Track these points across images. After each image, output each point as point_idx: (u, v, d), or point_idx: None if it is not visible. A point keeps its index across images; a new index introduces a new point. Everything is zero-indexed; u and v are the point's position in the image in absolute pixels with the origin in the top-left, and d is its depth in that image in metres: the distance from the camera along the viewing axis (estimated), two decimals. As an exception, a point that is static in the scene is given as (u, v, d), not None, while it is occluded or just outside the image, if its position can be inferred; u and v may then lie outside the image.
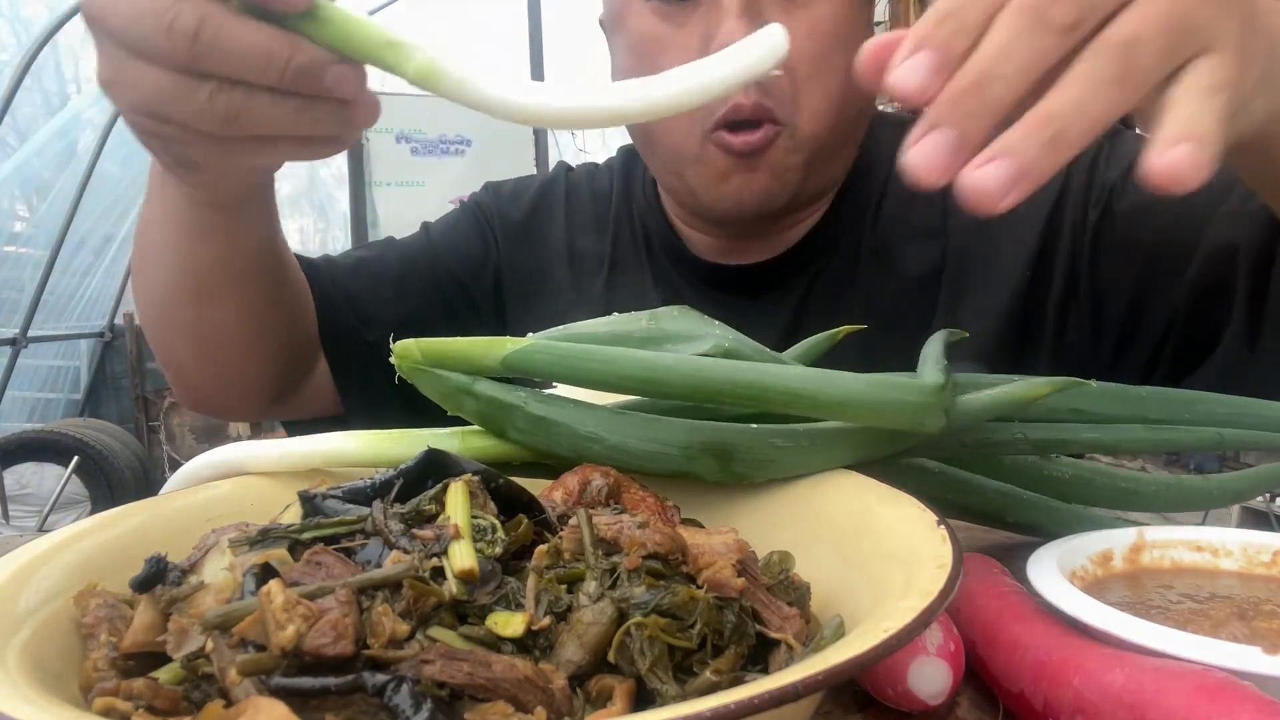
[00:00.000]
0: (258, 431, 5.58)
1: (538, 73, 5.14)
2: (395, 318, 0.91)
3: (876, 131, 0.89)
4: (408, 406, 0.58)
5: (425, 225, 1.01)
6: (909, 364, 0.52)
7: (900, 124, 0.91)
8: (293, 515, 0.40)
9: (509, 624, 0.33)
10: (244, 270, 0.71)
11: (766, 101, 0.75)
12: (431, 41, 0.44)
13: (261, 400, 0.85)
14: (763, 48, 0.45)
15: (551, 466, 0.50)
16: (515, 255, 0.98)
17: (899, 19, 4.42)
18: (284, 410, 0.89)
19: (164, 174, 0.63)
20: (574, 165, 1.06)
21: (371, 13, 4.92)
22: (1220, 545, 0.50)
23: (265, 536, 0.37)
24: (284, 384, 0.86)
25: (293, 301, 0.81)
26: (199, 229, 0.67)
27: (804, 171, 0.79)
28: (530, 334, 0.52)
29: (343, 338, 0.89)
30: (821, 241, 0.87)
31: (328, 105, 0.48)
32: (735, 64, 0.44)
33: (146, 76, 0.47)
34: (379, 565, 0.35)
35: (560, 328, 0.56)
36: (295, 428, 0.93)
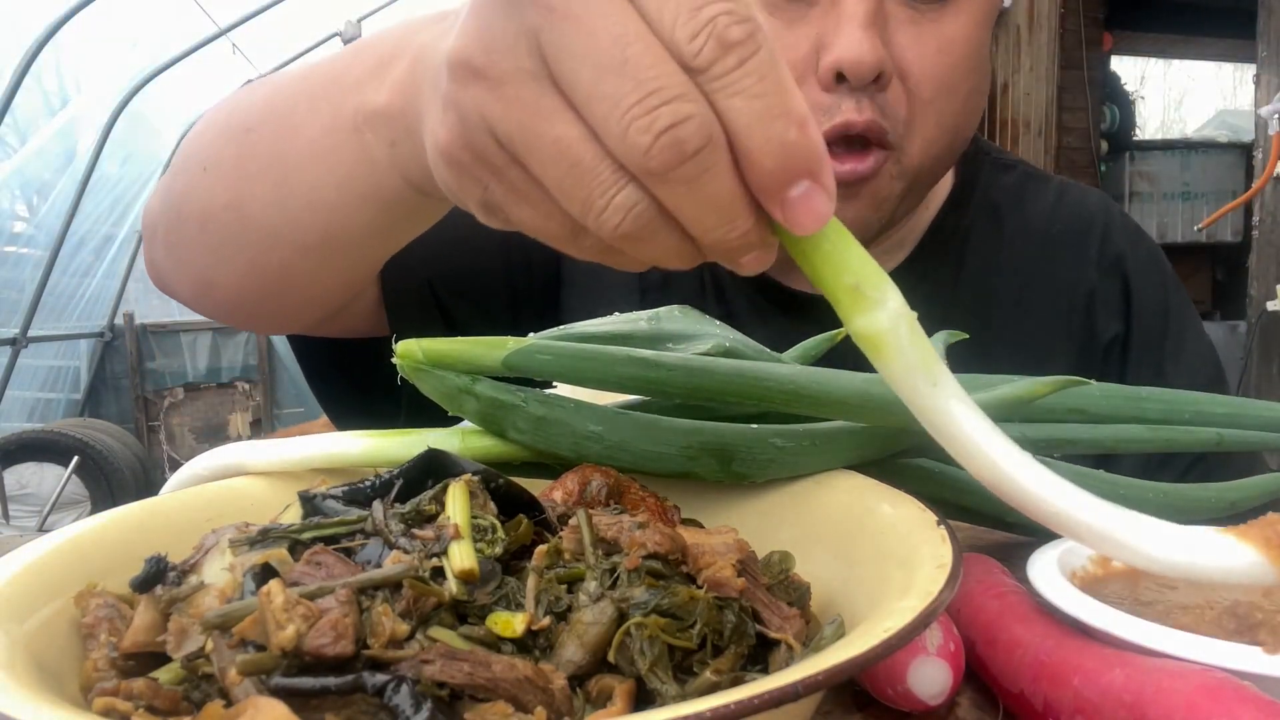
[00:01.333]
0: (258, 431, 5.59)
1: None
2: (458, 269, 0.79)
3: (974, 166, 0.87)
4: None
5: None
6: None
7: (1006, 166, 0.89)
8: (293, 515, 0.40)
9: (509, 624, 0.33)
10: (396, 244, 0.60)
11: (882, 121, 0.69)
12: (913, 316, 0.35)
13: (306, 325, 0.74)
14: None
15: (551, 466, 0.50)
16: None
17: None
18: (327, 330, 0.77)
19: (381, 137, 0.49)
20: None
21: (371, 14, 4.92)
22: (1220, 545, 0.50)
23: (265, 536, 0.37)
24: (337, 312, 0.74)
25: None
26: (397, 207, 0.53)
27: (900, 201, 0.74)
28: (531, 334, 0.52)
29: (403, 279, 0.76)
30: (903, 284, 0.83)
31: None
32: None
33: (554, 125, 0.32)
34: (379, 565, 0.35)
35: (560, 328, 0.56)
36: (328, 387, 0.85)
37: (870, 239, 0.76)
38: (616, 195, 0.32)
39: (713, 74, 0.31)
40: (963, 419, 0.34)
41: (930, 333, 0.72)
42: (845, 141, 0.69)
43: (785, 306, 0.83)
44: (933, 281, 0.83)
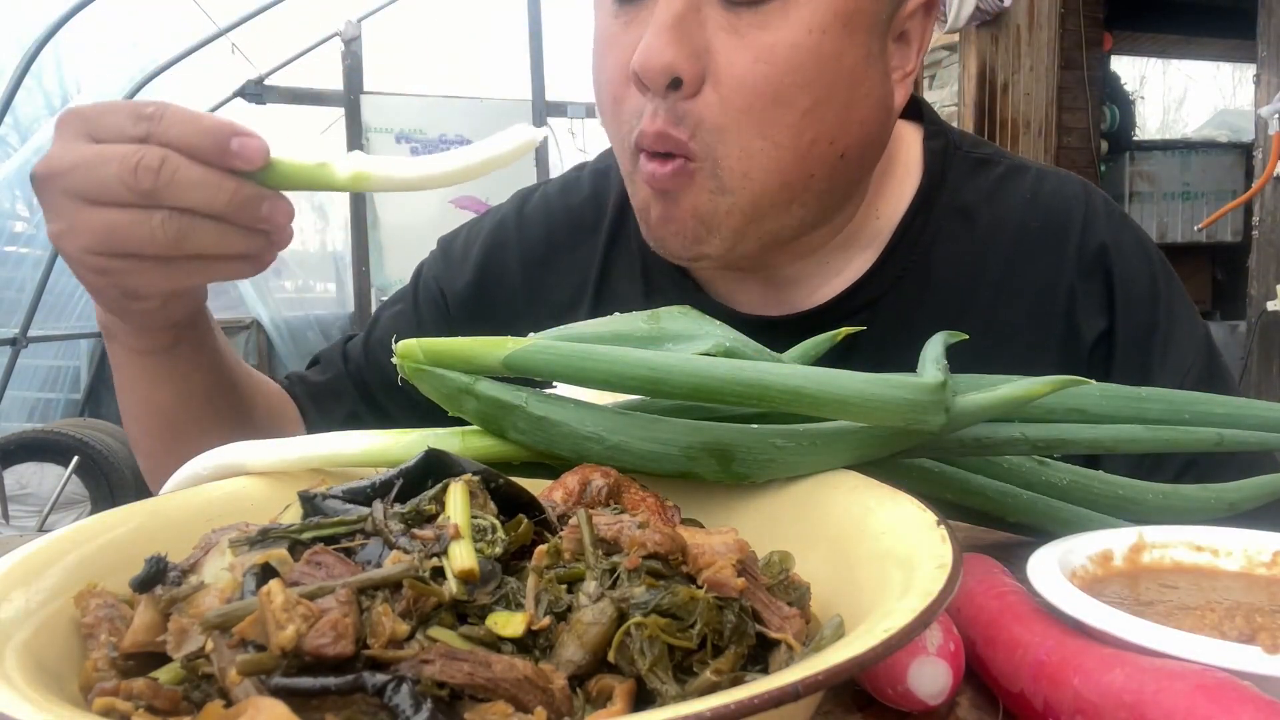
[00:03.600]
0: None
1: (538, 73, 5.14)
2: (383, 375, 0.92)
3: (943, 165, 0.83)
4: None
5: (366, 327, 0.98)
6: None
7: (983, 162, 0.85)
8: (293, 515, 0.40)
9: (509, 624, 0.33)
10: (205, 407, 0.75)
11: (675, 131, 0.67)
12: (353, 153, 0.57)
13: None
14: (514, 140, 0.58)
15: (551, 466, 0.50)
16: (471, 327, 0.90)
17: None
18: None
19: (111, 334, 0.69)
20: (551, 177, 0.98)
21: (371, 14, 4.92)
22: (1220, 545, 0.50)
23: (265, 536, 0.37)
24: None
25: (268, 423, 0.83)
26: (150, 376, 0.72)
27: (740, 219, 0.70)
28: (531, 334, 0.52)
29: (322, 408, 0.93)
30: (867, 296, 0.80)
31: (257, 231, 0.58)
32: (487, 152, 0.58)
33: (100, 217, 0.56)
34: (379, 565, 0.35)
35: (561, 328, 0.56)
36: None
37: (713, 256, 0.72)
38: (153, 220, 0.55)
39: (150, 133, 0.55)
40: (404, 168, 0.57)
41: (903, 341, 0.71)
42: (653, 153, 0.69)
43: (744, 328, 0.81)
44: (900, 288, 0.81)
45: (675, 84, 0.66)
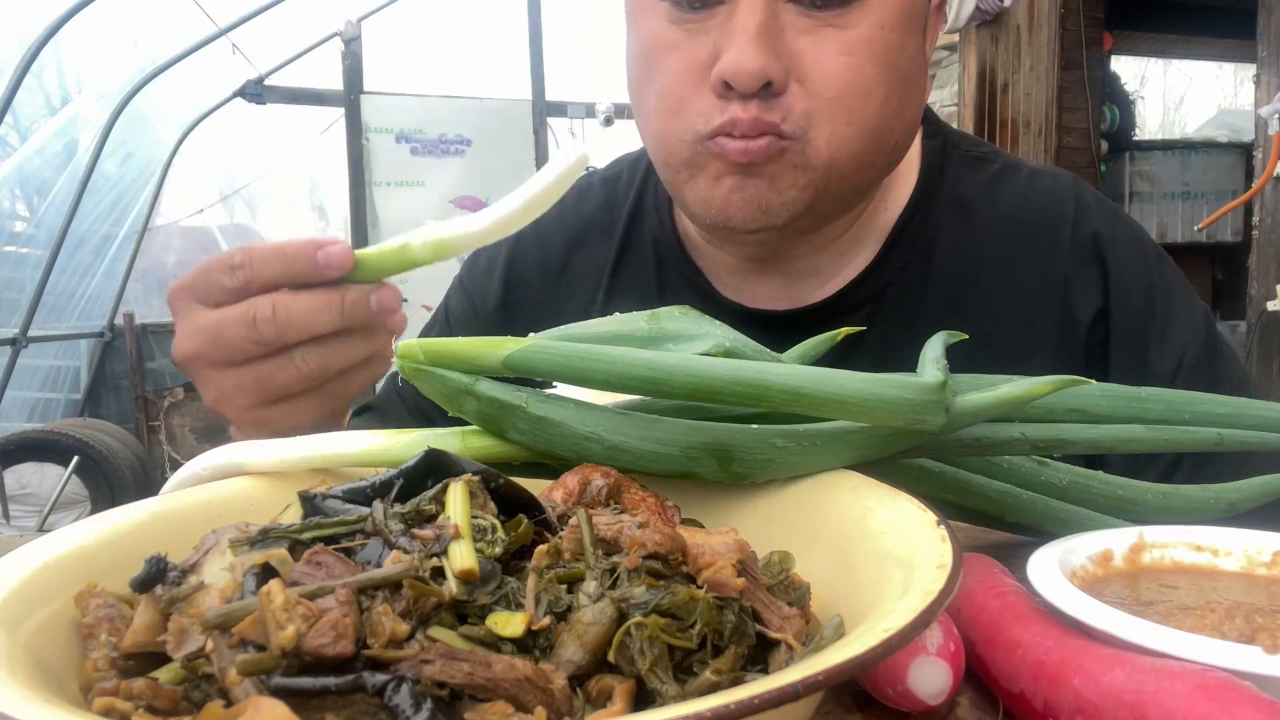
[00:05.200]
0: (258, 431, 5.56)
1: (538, 73, 5.14)
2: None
3: (940, 162, 0.85)
4: None
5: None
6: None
7: (979, 160, 0.87)
8: (293, 515, 0.40)
9: (509, 624, 0.33)
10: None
11: (769, 116, 0.70)
12: (426, 224, 0.58)
13: None
14: (567, 160, 0.57)
15: (552, 466, 0.50)
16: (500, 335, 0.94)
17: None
18: None
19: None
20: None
21: (371, 14, 4.92)
22: (1220, 545, 0.50)
23: (265, 536, 0.37)
24: None
25: None
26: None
27: (812, 195, 0.73)
28: (531, 334, 0.52)
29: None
30: (872, 288, 0.83)
31: (377, 327, 0.60)
32: (546, 179, 0.57)
33: (248, 375, 0.59)
34: (379, 565, 0.35)
35: (561, 328, 0.56)
36: None
37: (774, 227, 0.74)
38: (294, 359, 0.58)
39: (248, 280, 0.57)
40: (471, 225, 0.57)
41: (904, 332, 0.72)
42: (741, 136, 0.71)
43: (759, 329, 0.82)
44: (902, 283, 0.83)
45: (766, 86, 0.69)
